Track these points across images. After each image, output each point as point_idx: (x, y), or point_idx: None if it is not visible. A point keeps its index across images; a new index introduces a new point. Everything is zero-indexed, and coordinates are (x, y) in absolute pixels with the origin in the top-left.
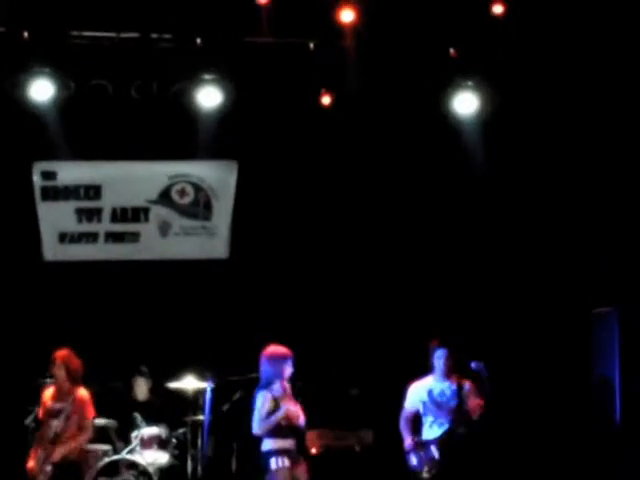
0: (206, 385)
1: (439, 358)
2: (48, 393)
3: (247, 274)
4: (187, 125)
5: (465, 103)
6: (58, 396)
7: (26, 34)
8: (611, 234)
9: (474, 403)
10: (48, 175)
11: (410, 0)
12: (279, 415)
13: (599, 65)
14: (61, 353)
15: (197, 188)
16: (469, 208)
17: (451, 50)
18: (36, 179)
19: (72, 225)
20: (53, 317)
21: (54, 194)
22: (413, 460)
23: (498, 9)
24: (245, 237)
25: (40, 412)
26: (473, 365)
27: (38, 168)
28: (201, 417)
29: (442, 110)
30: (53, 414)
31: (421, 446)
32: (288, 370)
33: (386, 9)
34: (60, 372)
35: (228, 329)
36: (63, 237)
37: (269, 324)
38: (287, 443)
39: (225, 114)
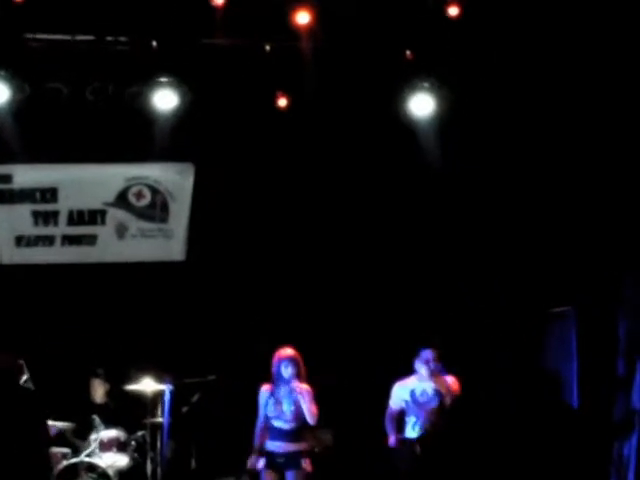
0: (164, 387)
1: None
2: None
3: (204, 276)
4: (143, 128)
5: (421, 105)
6: None
7: None
8: (572, 234)
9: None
10: (4, 178)
11: (366, 2)
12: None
13: (554, 65)
14: None
15: (154, 190)
16: (428, 206)
17: (407, 52)
18: None
19: (29, 228)
20: (9, 320)
21: (10, 197)
22: (394, 457)
23: (453, 11)
24: (202, 239)
25: None
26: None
27: None
28: (160, 419)
29: (398, 112)
30: None
31: (403, 443)
32: (286, 371)
33: (342, 11)
34: None
35: (185, 331)
36: (20, 240)
37: (227, 326)
38: (271, 445)
39: (181, 117)
